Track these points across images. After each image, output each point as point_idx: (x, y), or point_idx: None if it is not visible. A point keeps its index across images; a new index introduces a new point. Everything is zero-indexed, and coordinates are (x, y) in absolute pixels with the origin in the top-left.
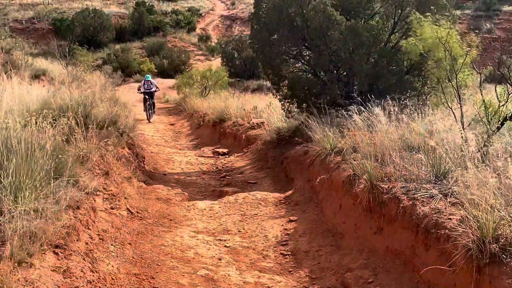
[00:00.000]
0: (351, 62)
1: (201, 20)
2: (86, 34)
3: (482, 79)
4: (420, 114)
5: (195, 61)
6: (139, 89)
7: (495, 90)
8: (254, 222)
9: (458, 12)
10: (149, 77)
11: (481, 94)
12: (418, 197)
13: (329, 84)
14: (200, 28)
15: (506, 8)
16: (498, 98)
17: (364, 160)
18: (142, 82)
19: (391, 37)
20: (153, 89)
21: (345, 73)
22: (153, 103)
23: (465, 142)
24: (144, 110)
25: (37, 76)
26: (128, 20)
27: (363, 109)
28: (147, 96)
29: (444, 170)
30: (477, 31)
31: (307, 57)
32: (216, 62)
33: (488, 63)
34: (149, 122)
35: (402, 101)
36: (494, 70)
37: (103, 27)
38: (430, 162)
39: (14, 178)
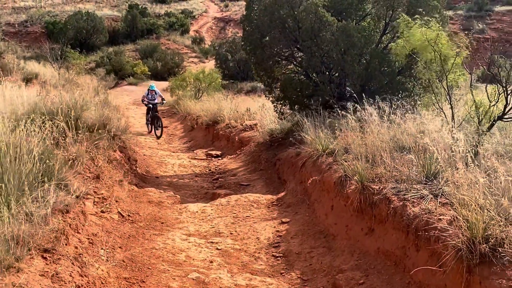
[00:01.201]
0: (343, 63)
1: (195, 22)
2: (79, 37)
3: (473, 80)
4: (411, 115)
5: (189, 64)
6: (143, 100)
7: (486, 90)
8: (247, 224)
9: (450, 12)
10: (153, 86)
11: (472, 95)
12: (409, 198)
13: (321, 85)
14: (194, 30)
15: (498, 8)
16: (488, 98)
17: (355, 161)
18: (146, 92)
19: (383, 38)
20: (156, 101)
21: (337, 74)
22: (157, 116)
23: (456, 142)
24: (146, 123)
25: (29, 79)
26: (121, 22)
27: (355, 109)
28: (150, 105)
29: (434, 171)
30: (467, 31)
31: (299, 59)
32: (210, 64)
33: (479, 63)
34: (157, 138)
35: (394, 102)
36: (485, 70)
37: (96, 30)
38: (421, 162)
39: (1, 182)
